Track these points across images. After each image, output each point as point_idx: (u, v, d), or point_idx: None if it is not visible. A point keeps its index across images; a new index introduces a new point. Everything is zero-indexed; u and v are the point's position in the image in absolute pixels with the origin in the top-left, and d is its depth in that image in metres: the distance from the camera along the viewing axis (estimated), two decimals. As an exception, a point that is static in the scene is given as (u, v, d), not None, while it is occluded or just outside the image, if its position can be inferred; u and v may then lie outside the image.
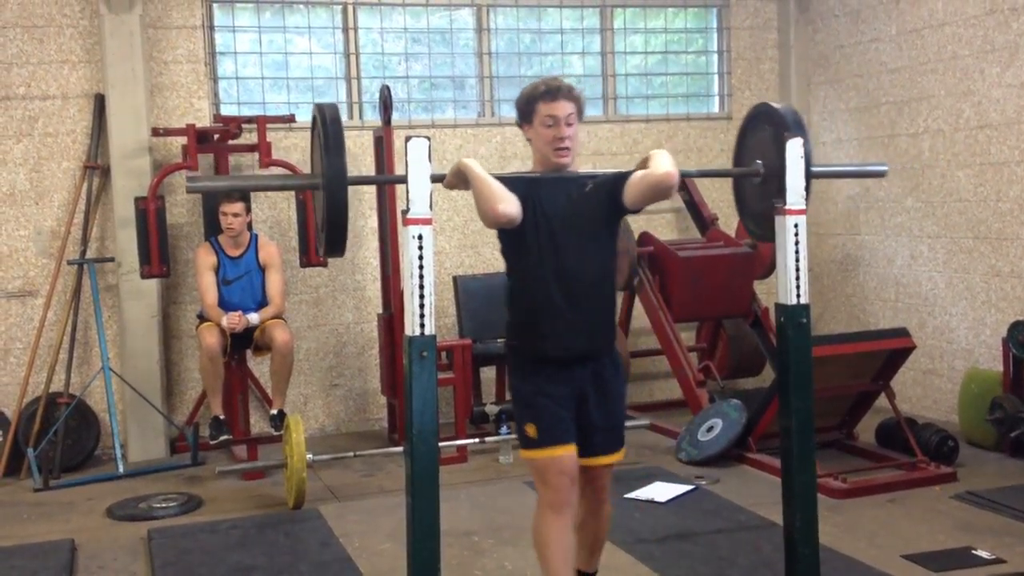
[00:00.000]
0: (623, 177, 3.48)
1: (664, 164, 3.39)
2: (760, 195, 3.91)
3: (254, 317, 6.04)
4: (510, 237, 3.49)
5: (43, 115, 6.64)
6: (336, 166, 3.26)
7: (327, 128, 3.29)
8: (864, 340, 5.87)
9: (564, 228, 3.46)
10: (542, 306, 3.49)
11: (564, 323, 3.48)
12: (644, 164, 3.49)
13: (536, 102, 3.48)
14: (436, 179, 3.39)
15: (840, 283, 7.85)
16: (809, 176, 3.75)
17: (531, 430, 3.49)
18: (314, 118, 3.41)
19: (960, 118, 6.66)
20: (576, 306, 3.49)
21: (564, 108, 3.46)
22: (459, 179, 3.44)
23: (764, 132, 3.87)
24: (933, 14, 6.81)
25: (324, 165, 3.28)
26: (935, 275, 6.93)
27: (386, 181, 6.55)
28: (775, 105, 3.89)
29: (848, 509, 5.13)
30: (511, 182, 3.42)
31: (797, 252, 3.77)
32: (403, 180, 3.28)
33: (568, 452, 3.48)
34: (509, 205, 3.32)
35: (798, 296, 3.78)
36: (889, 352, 5.80)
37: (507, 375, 3.74)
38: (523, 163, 5.44)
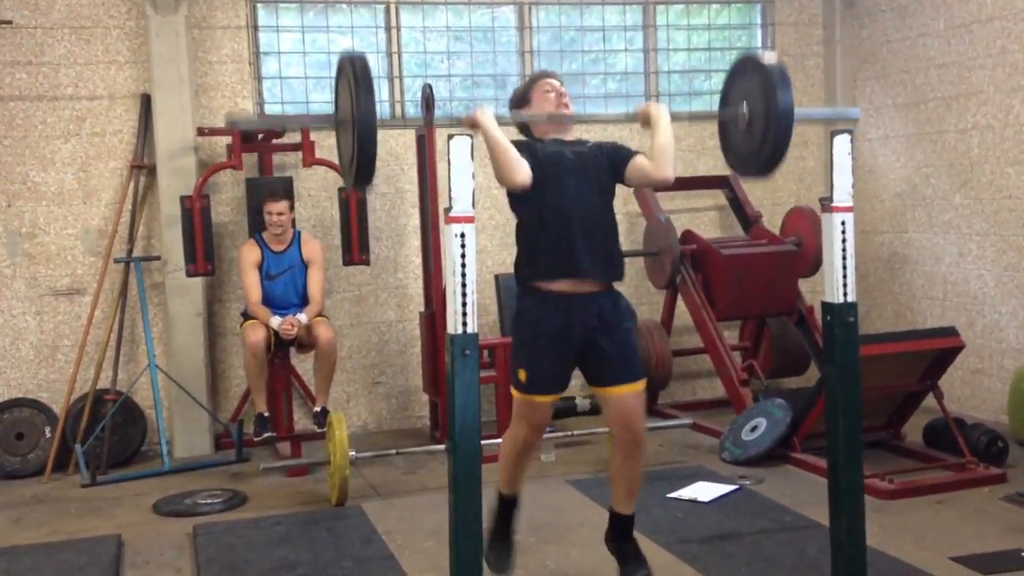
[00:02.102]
0: (625, 154, 3.88)
1: (666, 166, 3.77)
2: (744, 137, 4.08)
3: (303, 318, 6.07)
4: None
5: (90, 115, 6.72)
6: (367, 105, 3.53)
7: (357, 72, 3.56)
8: (912, 339, 5.80)
9: (568, 175, 3.79)
10: (548, 243, 3.78)
11: (569, 256, 3.77)
12: (644, 118, 3.88)
13: (532, 83, 3.98)
14: (452, 122, 3.87)
15: (887, 281, 7.75)
16: (790, 122, 3.87)
17: (521, 375, 3.84)
18: (341, 65, 3.71)
19: (1010, 114, 6.55)
20: (581, 240, 3.77)
21: (557, 81, 3.95)
22: (473, 130, 3.64)
23: (751, 81, 3.99)
24: (982, 8, 6.71)
25: (357, 105, 3.53)
26: (984, 273, 6.82)
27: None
28: (761, 58, 4.03)
29: (895, 510, 5.07)
30: (520, 146, 3.72)
31: (844, 250, 3.73)
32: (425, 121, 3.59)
33: (546, 401, 3.90)
34: (524, 175, 3.62)
35: (845, 294, 3.73)
36: (937, 351, 5.72)
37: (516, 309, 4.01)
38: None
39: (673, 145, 3.80)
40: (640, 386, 3.91)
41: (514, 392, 3.92)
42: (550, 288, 3.79)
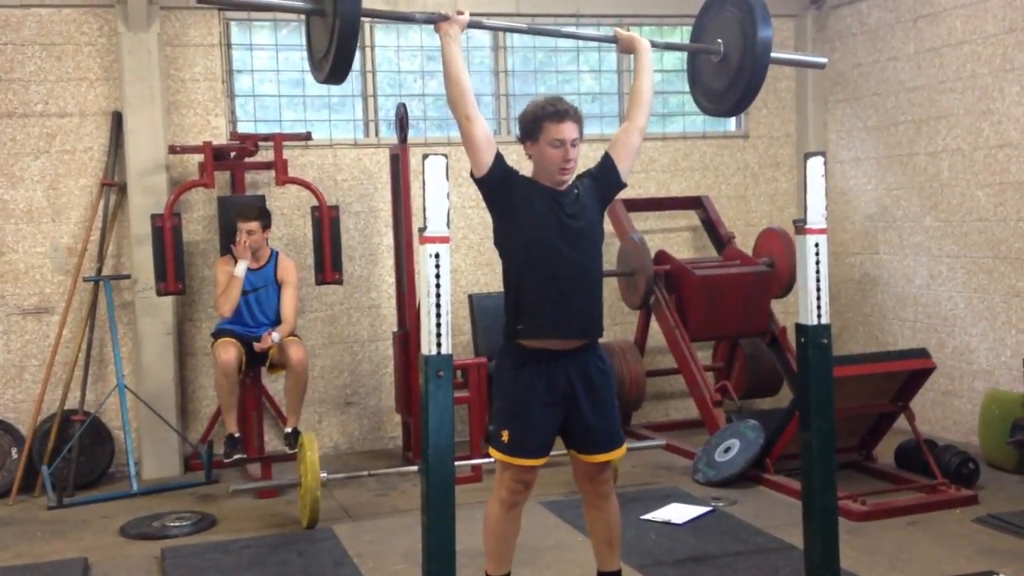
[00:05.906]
0: (608, 163, 3.77)
1: (647, 111, 3.80)
2: (715, 72, 4.02)
3: (276, 336, 6.01)
4: (502, 229, 3.69)
5: (61, 132, 6.66)
6: None
7: None
8: (883, 360, 5.83)
9: (555, 239, 3.61)
10: (535, 305, 3.64)
11: (556, 320, 3.63)
12: (627, 47, 3.89)
13: (543, 122, 3.63)
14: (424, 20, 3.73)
15: (858, 302, 7.79)
16: (766, 63, 3.96)
17: (504, 435, 3.67)
18: None
19: (979, 137, 6.62)
20: (569, 305, 3.64)
21: (570, 131, 3.62)
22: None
23: (728, 14, 3.96)
24: (952, 32, 6.78)
25: None
26: (954, 295, 6.87)
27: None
28: None
29: (867, 532, 5.07)
30: (507, 172, 3.66)
31: (818, 272, 3.75)
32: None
33: (532, 465, 3.70)
34: (480, 139, 3.64)
35: (819, 316, 3.75)
36: (909, 373, 5.75)
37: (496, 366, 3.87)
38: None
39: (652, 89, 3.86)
40: (621, 452, 3.82)
41: (493, 453, 3.74)
42: (536, 347, 3.67)
